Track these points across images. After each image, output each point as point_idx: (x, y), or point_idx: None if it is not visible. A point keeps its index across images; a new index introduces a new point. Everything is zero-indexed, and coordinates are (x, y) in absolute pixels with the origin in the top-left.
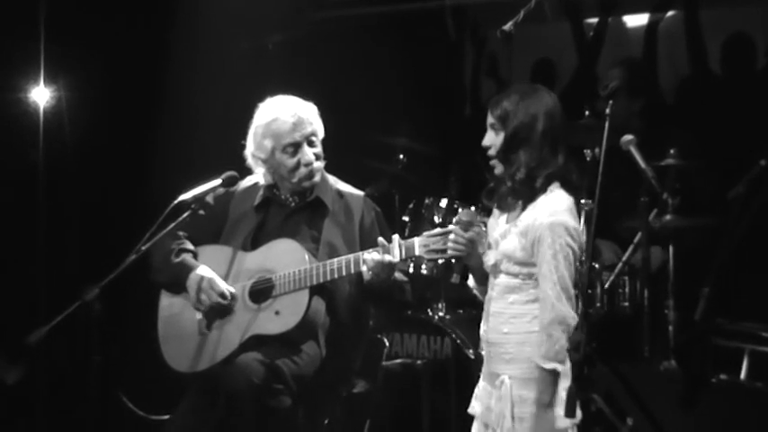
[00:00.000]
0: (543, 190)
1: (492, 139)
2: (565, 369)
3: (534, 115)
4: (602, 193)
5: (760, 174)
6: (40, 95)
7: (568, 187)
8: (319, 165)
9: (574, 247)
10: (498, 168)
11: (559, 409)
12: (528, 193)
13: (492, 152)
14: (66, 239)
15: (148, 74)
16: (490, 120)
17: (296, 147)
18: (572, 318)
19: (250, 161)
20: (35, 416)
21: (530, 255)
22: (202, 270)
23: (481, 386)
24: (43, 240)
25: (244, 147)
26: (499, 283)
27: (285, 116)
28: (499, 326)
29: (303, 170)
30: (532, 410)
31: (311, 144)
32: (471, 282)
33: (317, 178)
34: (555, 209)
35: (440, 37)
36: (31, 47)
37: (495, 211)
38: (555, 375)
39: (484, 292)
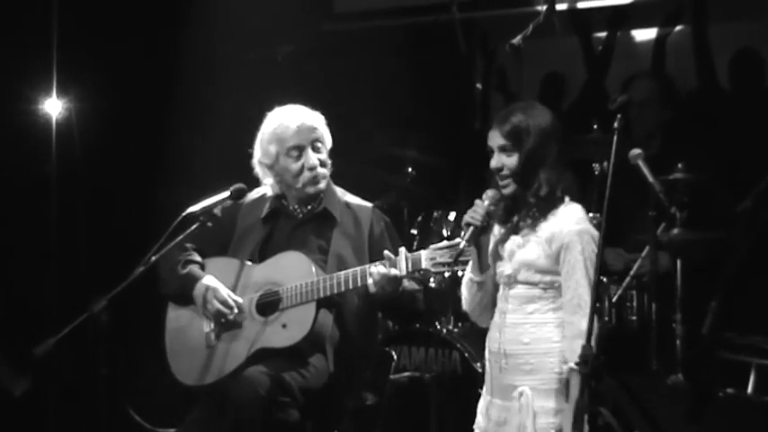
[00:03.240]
0: (561, 201)
1: (503, 161)
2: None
3: (545, 132)
4: (612, 206)
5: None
6: (53, 107)
7: (575, 199)
8: (324, 171)
9: (596, 254)
10: (510, 188)
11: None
12: (549, 207)
13: (506, 173)
14: (78, 251)
15: (158, 85)
16: (500, 141)
17: (300, 150)
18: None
19: (257, 170)
20: (43, 428)
21: (554, 262)
22: (208, 280)
23: (488, 401)
24: (54, 251)
25: (251, 155)
26: (516, 294)
27: (289, 121)
28: (518, 336)
29: (307, 174)
30: (558, 421)
31: (316, 150)
32: (468, 272)
33: (321, 185)
34: (579, 216)
35: (449, 50)
36: (44, 58)
37: (495, 229)
38: None
39: (480, 289)
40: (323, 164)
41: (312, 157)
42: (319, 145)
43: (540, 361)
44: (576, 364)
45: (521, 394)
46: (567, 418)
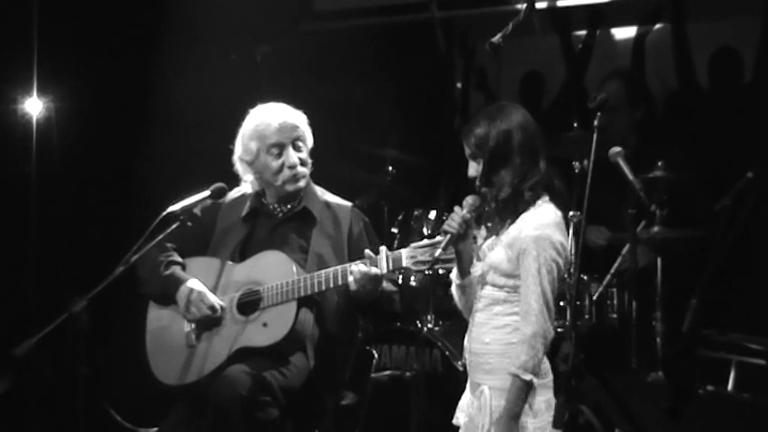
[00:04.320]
0: (532, 202)
1: (476, 169)
2: (546, 381)
3: (507, 131)
4: (592, 204)
5: (746, 186)
6: (33, 106)
7: (555, 196)
8: (304, 170)
9: (558, 262)
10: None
11: (537, 421)
12: (514, 209)
13: (479, 180)
14: (57, 251)
15: (138, 85)
16: (467, 151)
17: (280, 148)
18: (551, 333)
19: (237, 166)
20: (23, 428)
21: (515, 267)
22: (192, 283)
23: (466, 397)
24: (33, 251)
25: (232, 152)
26: (485, 294)
27: (271, 119)
28: (481, 336)
29: (287, 172)
30: (502, 420)
31: (297, 148)
32: (454, 275)
33: (301, 183)
34: (541, 222)
35: (429, 49)
36: (24, 58)
37: (482, 231)
38: (529, 387)
39: (464, 293)
40: (303, 163)
41: (293, 156)
42: (300, 144)
43: (498, 361)
44: (557, 361)
45: (481, 393)
46: (502, 425)
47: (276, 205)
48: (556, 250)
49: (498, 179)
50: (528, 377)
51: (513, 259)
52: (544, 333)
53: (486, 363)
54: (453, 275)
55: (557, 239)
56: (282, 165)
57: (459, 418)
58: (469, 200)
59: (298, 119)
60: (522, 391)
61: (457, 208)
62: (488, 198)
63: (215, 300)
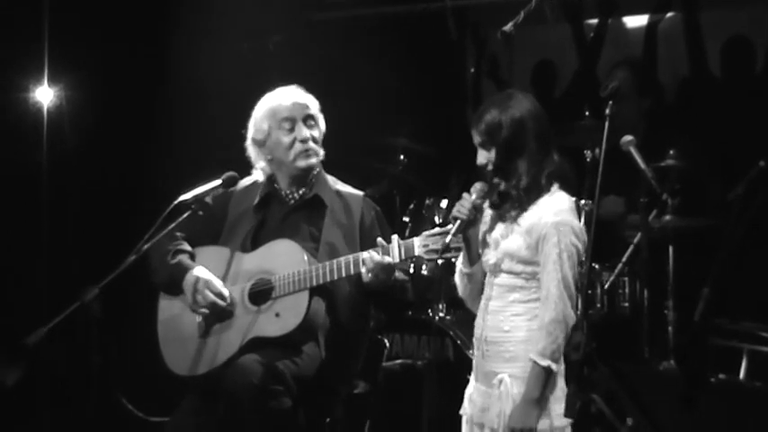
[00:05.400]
0: (547, 189)
1: (486, 157)
2: (560, 368)
3: (520, 120)
4: (602, 193)
5: (759, 175)
6: (44, 95)
7: (566, 185)
8: (316, 147)
9: (578, 247)
10: (500, 183)
11: (556, 407)
12: (533, 197)
13: (490, 168)
14: (69, 240)
15: (150, 74)
16: (477, 139)
17: (292, 122)
18: (572, 318)
19: (250, 150)
20: (34, 417)
21: (534, 253)
22: (199, 271)
23: (473, 387)
24: (46, 241)
25: (244, 136)
26: (500, 282)
27: (283, 98)
28: (499, 324)
29: (299, 146)
30: (520, 405)
31: (308, 125)
32: (459, 262)
33: (313, 159)
34: (560, 208)
35: (441, 38)
36: (35, 47)
37: (487, 216)
38: (549, 373)
39: (470, 281)
40: (315, 140)
41: (304, 131)
42: (312, 123)
43: (519, 349)
44: (567, 350)
45: (500, 381)
46: (519, 410)
47: (288, 190)
48: (576, 235)
49: (513, 169)
50: (545, 363)
51: (533, 245)
52: (564, 319)
53: (507, 351)
54: (459, 263)
55: (576, 225)
56: (294, 139)
57: (467, 408)
58: (477, 186)
59: (310, 100)
60: (541, 378)
61: (465, 194)
62: (501, 187)
63: (222, 287)
